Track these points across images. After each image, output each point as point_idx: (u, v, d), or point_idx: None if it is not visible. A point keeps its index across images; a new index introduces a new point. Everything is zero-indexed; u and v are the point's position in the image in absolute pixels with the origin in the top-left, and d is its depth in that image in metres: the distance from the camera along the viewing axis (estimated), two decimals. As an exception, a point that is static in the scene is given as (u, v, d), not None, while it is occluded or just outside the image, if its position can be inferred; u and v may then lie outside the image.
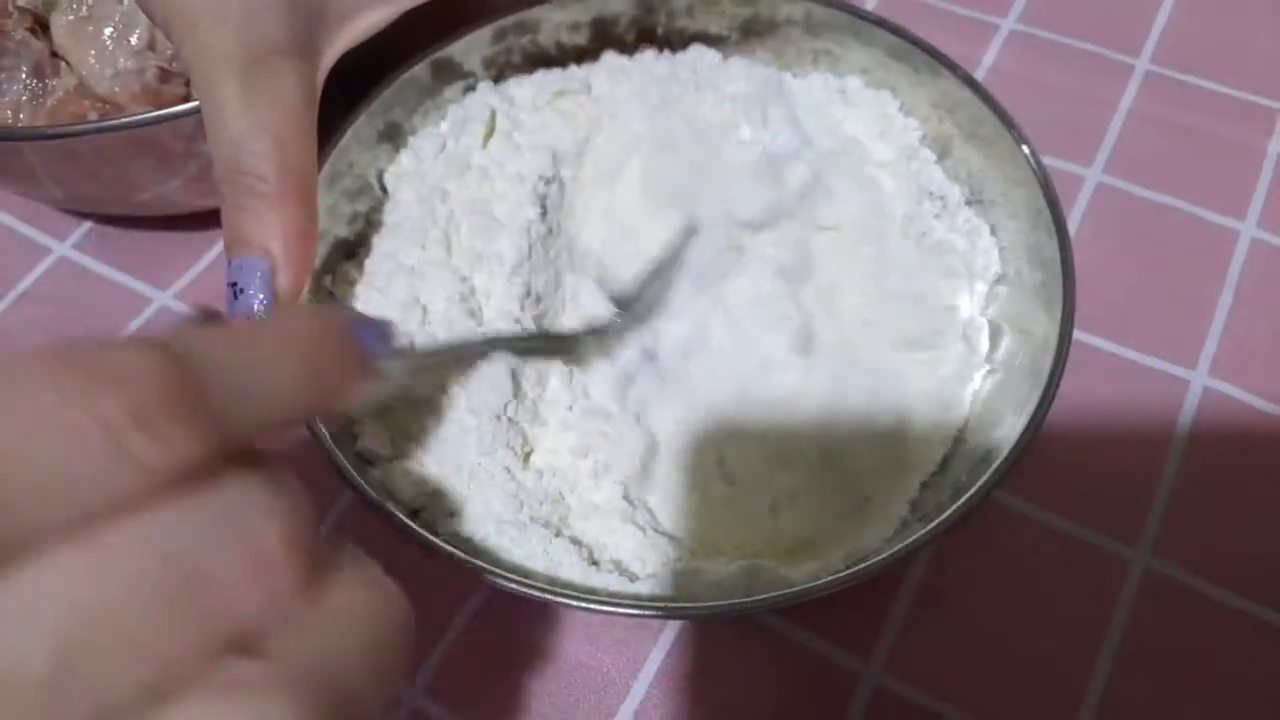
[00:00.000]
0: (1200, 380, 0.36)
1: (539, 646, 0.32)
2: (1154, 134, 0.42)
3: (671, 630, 0.32)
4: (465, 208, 0.34)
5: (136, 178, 0.37)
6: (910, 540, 0.26)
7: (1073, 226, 0.40)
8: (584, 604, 0.26)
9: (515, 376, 0.31)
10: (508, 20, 0.37)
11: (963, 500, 0.26)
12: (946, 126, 0.36)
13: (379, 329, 0.18)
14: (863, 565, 0.25)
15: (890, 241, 0.35)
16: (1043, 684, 0.31)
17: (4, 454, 0.11)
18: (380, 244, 0.34)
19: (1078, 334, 0.37)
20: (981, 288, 0.34)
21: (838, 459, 0.31)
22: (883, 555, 0.26)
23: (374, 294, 0.33)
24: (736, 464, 0.31)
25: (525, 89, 0.37)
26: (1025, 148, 0.33)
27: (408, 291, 0.32)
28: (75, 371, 0.12)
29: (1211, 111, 0.43)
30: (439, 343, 0.31)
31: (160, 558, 0.12)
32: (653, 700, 0.31)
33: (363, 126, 0.35)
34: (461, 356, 0.30)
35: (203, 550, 0.12)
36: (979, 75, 0.44)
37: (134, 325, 0.39)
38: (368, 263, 0.34)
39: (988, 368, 0.33)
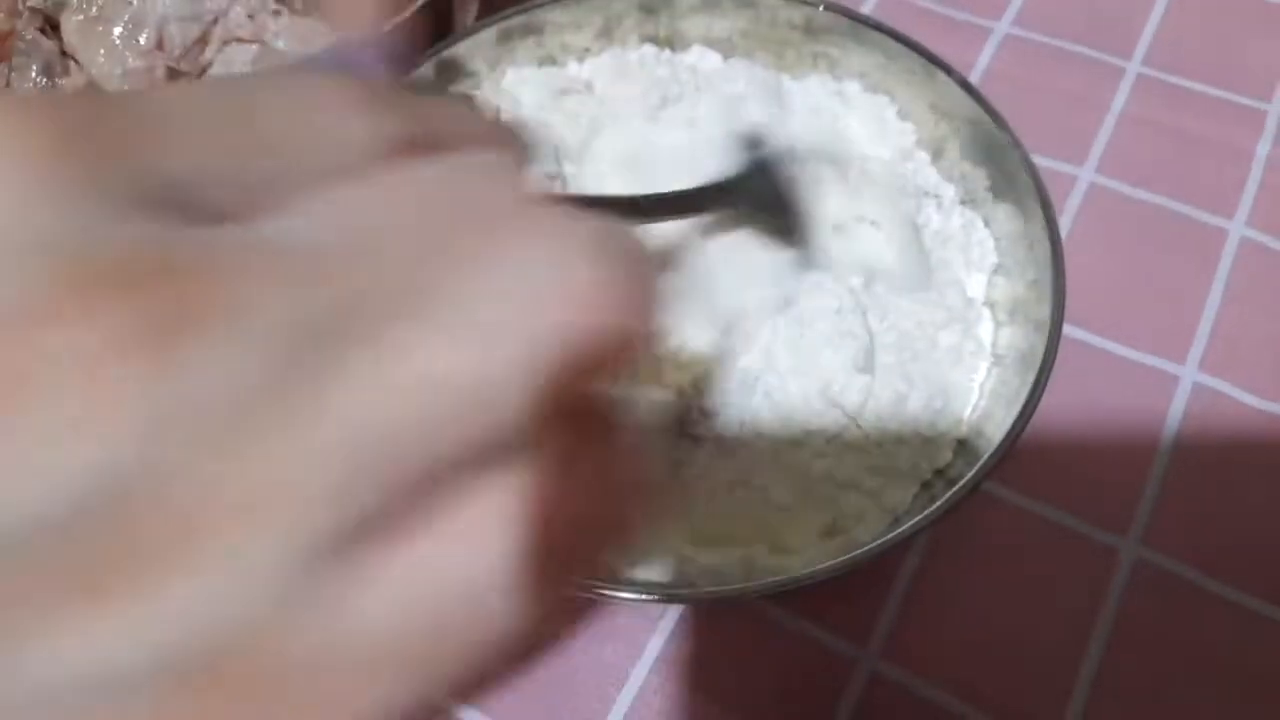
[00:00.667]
0: (1190, 375, 0.37)
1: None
2: (1145, 135, 0.43)
3: (670, 619, 0.33)
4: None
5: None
6: (900, 531, 0.27)
7: (1065, 226, 0.40)
8: (585, 589, 0.26)
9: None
10: (513, 21, 0.37)
11: (952, 491, 0.27)
12: (941, 129, 0.37)
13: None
14: (856, 553, 0.26)
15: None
16: (1035, 670, 0.32)
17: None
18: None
19: (1070, 330, 0.38)
20: (980, 278, 0.35)
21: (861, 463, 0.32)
22: (873, 544, 0.26)
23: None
24: (767, 480, 0.31)
25: (529, 88, 0.37)
26: (1017, 148, 0.34)
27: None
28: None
29: (1202, 113, 0.44)
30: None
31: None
32: (651, 687, 0.32)
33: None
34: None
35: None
36: (973, 77, 0.45)
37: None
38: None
39: (991, 360, 0.33)
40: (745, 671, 0.32)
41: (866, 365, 0.32)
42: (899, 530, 0.26)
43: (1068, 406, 0.36)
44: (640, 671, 0.32)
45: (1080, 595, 0.33)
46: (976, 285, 0.35)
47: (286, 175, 0.11)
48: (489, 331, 0.10)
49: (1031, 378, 0.29)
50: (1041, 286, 0.31)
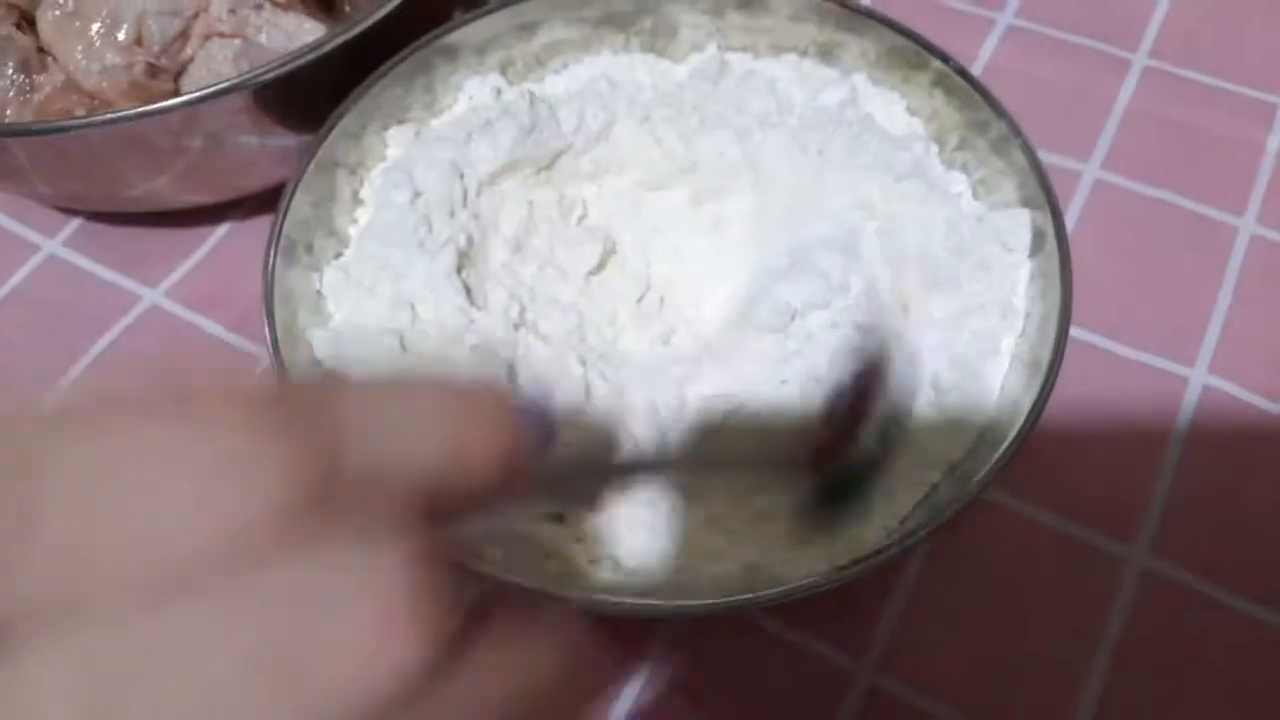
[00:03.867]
0: (1199, 378, 0.36)
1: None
2: (1152, 129, 0.42)
3: (666, 632, 0.32)
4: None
5: (124, 174, 0.37)
6: (901, 540, 0.26)
7: (1070, 222, 0.39)
8: (575, 599, 0.26)
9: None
10: (512, 21, 0.36)
11: (958, 496, 0.26)
12: (946, 123, 0.36)
13: (541, 419, 0.15)
14: (854, 567, 0.25)
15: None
16: (1038, 683, 0.31)
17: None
18: (363, 243, 0.34)
19: (1075, 331, 0.36)
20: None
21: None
22: (871, 555, 0.25)
23: (361, 293, 0.32)
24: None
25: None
26: (1020, 142, 0.33)
27: (394, 292, 0.31)
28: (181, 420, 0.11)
29: (1210, 106, 0.42)
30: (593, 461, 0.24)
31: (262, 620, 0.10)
32: (646, 702, 0.31)
33: (350, 121, 0.35)
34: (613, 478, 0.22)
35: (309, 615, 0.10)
36: (977, 70, 0.44)
37: (123, 323, 0.39)
38: (348, 259, 0.34)
39: (1009, 358, 0.32)
40: (742, 686, 0.31)
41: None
42: (896, 540, 0.25)
43: (1073, 411, 0.35)
44: (635, 686, 0.31)
45: (1087, 605, 0.32)
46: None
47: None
48: None
49: (1038, 382, 0.28)
50: (1047, 281, 0.30)
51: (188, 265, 0.40)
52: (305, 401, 0.12)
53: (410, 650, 0.11)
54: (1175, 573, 0.32)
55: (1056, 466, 0.34)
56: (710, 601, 0.27)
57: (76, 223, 0.42)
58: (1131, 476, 0.34)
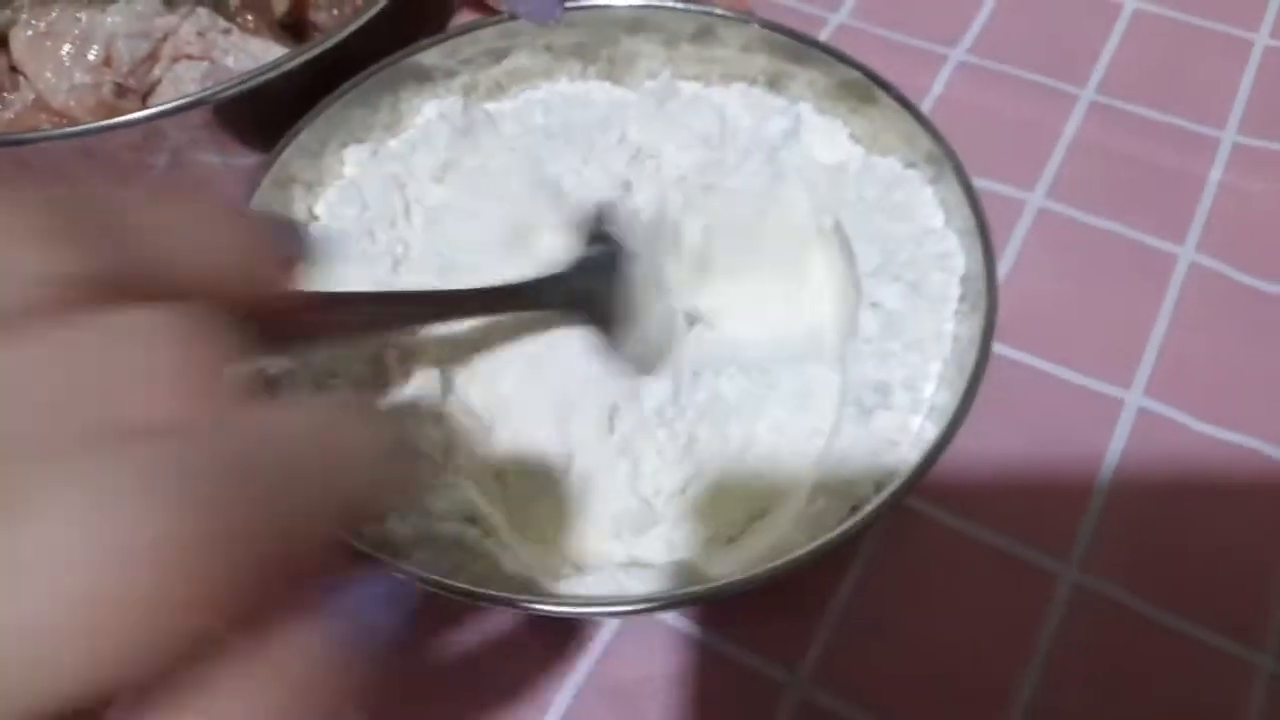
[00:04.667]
0: (1135, 400, 0.36)
1: (465, 657, 0.32)
2: (1097, 161, 0.43)
3: (600, 642, 0.32)
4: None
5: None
6: (819, 544, 0.26)
7: (1013, 250, 0.40)
8: (492, 600, 0.26)
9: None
10: (481, 47, 0.38)
11: (870, 508, 0.26)
12: (888, 150, 0.37)
13: (290, 229, 0.17)
14: (765, 567, 0.26)
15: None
16: (970, 697, 0.31)
17: None
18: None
19: (1015, 354, 0.37)
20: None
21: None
22: (781, 561, 0.26)
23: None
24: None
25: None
26: (956, 171, 0.33)
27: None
28: None
29: (1155, 139, 0.44)
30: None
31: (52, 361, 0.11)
32: (574, 713, 0.31)
33: (309, 140, 0.36)
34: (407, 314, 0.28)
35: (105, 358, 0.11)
36: (927, 103, 0.45)
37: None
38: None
39: (936, 379, 0.33)
40: (673, 697, 0.31)
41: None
42: (809, 547, 0.26)
43: (1011, 430, 0.36)
44: (564, 696, 0.31)
45: (1019, 621, 0.32)
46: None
47: None
48: None
49: (960, 390, 0.28)
50: (974, 301, 0.31)
51: (150, 280, 0.41)
52: (91, 203, 0.13)
53: (190, 382, 0.12)
54: (1106, 589, 0.32)
55: (993, 484, 0.34)
56: (630, 606, 0.27)
57: (45, 238, 0.43)
58: (1066, 495, 0.34)
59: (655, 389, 0.33)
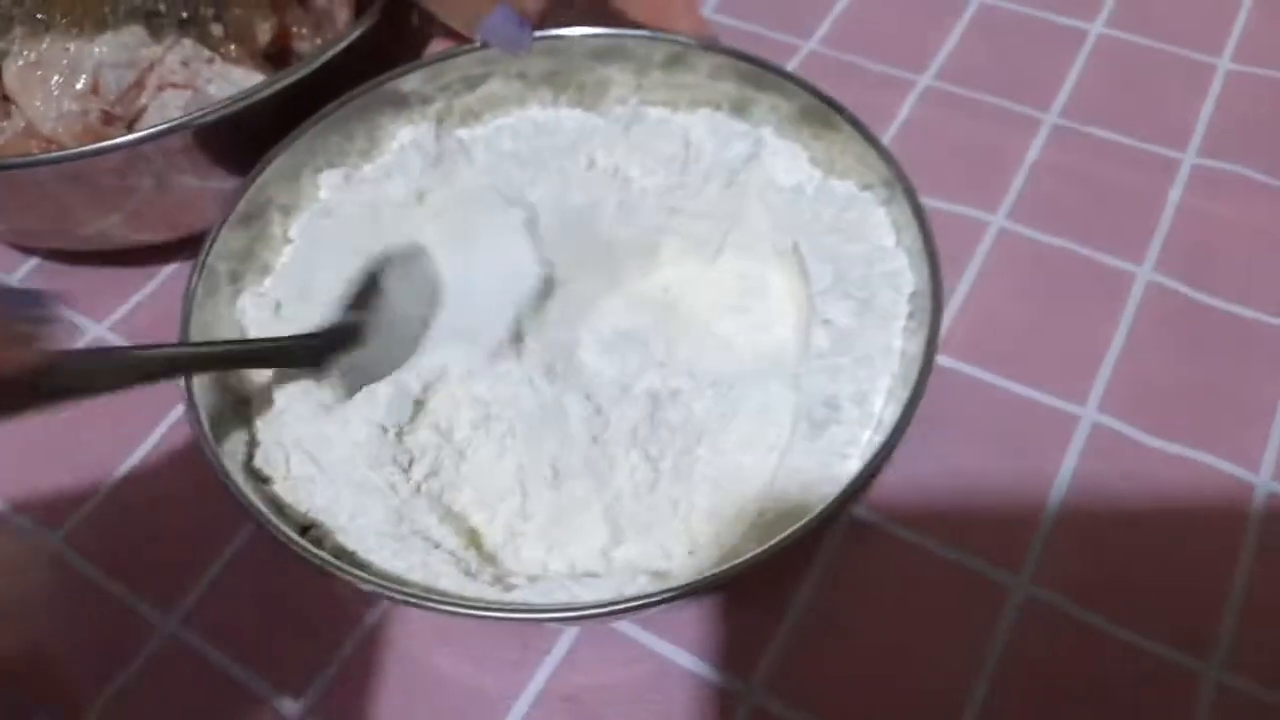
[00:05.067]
0: (1090, 415, 0.37)
1: (425, 666, 0.33)
2: (1058, 182, 0.44)
3: (559, 652, 0.33)
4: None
5: (76, 212, 0.39)
6: (764, 549, 0.27)
7: (974, 269, 0.41)
8: (435, 605, 0.27)
9: (408, 395, 0.32)
10: (457, 74, 0.39)
11: (811, 515, 0.27)
12: (845, 173, 0.38)
13: (29, 297, 0.18)
14: (708, 574, 0.26)
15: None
16: (921, 708, 0.31)
17: None
18: (284, 274, 0.36)
19: (973, 370, 0.38)
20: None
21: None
22: (723, 567, 0.26)
23: (277, 320, 0.34)
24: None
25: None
26: (908, 194, 0.34)
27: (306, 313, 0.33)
28: None
29: (1116, 162, 0.44)
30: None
31: None
32: (532, 718, 0.32)
33: (285, 164, 0.37)
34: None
35: None
36: (894, 127, 0.46)
37: (68, 353, 0.41)
38: (268, 287, 0.36)
39: (885, 392, 0.34)
40: (628, 705, 0.32)
41: None
42: (748, 555, 0.27)
43: (967, 445, 0.36)
44: (522, 705, 0.32)
45: (971, 633, 0.32)
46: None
47: None
48: None
49: (898, 410, 0.29)
50: (920, 318, 0.32)
51: (133, 301, 0.42)
52: None
53: None
54: (1057, 601, 0.33)
55: (948, 498, 0.35)
56: (579, 612, 0.28)
57: (35, 261, 0.44)
58: (1020, 508, 0.35)
59: (629, 412, 0.34)
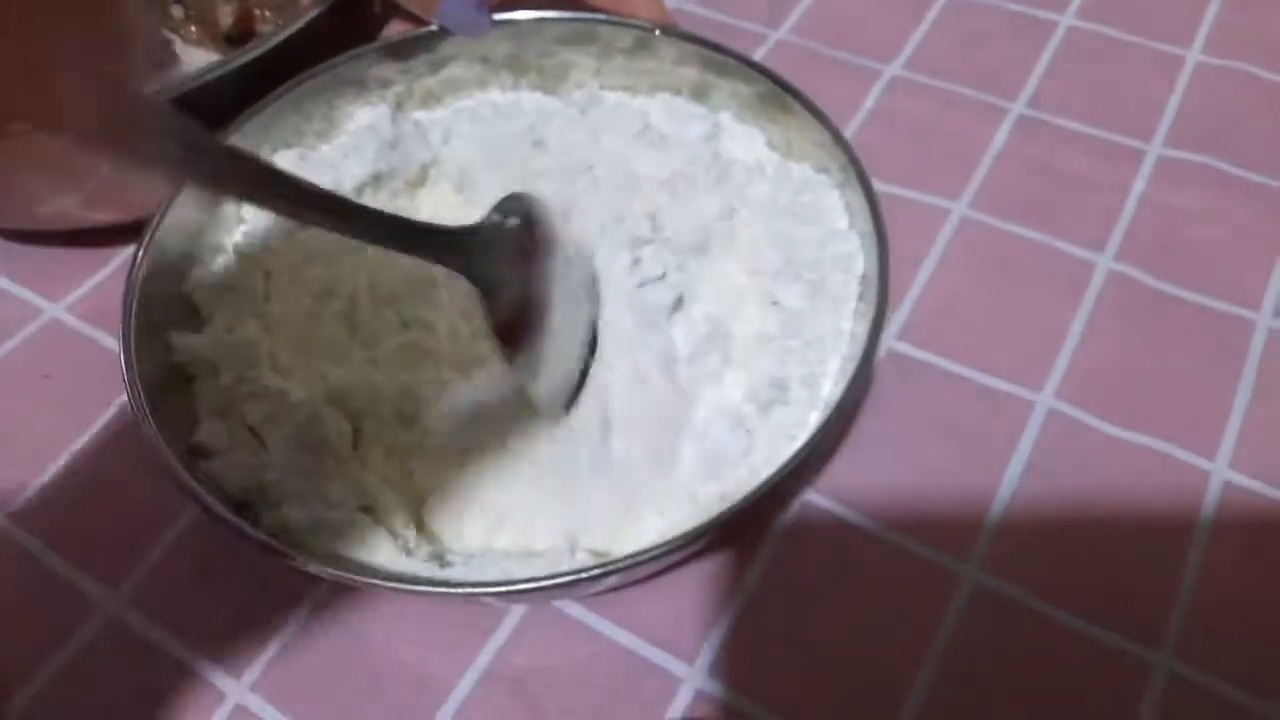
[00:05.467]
0: (1046, 402, 0.37)
1: (368, 646, 0.32)
2: (1022, 171, 0.44)
3: (504, 631, 0.32)
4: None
5: (30, 190, 0.39)
6: (700, 525, 0.27)
7: (935, 257, 0.41)
8: (371, 583, 0.27)
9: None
10: (416, 57, 0.39)
11: (749, 491, 0.27)
12: (800, 157, 0.38)
13: None
14: (643, 551, 0.26)
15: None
16: (864, 694, 0.31)
17: None
18: (236, 252, 0.36)
19: (931, 358, 0.38)
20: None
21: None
22: (659, 543, 0.26)
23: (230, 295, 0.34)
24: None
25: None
26: (860, 178, 0.34)
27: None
28: None
29: (1081, 152, 0.44)
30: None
31: None
32: (475, 702, 0.31)
33: (239, 144, 0.37)
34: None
35: None
36: (859, 116, 0.46)
37: (21, 335, 0.41)
38: (220, 265, 0.36)
39: (834, 374, 0.33)
40: (572, 685, 0.31)
41: None
42: (687, 530, 0.26)
43: (921, 431, 0.36)
44: (466, 684, 0.32)
45: (918, 618, 0.32)
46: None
47: None
48: None
49: (840, 392, 0.29)
50: (867, 301, 0.32)
51: (93, 282, 0.42)
52: None
53: None
54: (1007, 589, 0.33)
55: (900, 483, 0.35)
56: (519, 586, 0.27)
57: (-6, 241, 0.44)
58: (971, 493, 0.35)
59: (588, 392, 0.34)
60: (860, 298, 0.33)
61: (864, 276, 0.33)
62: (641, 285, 0.34)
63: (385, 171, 0.37)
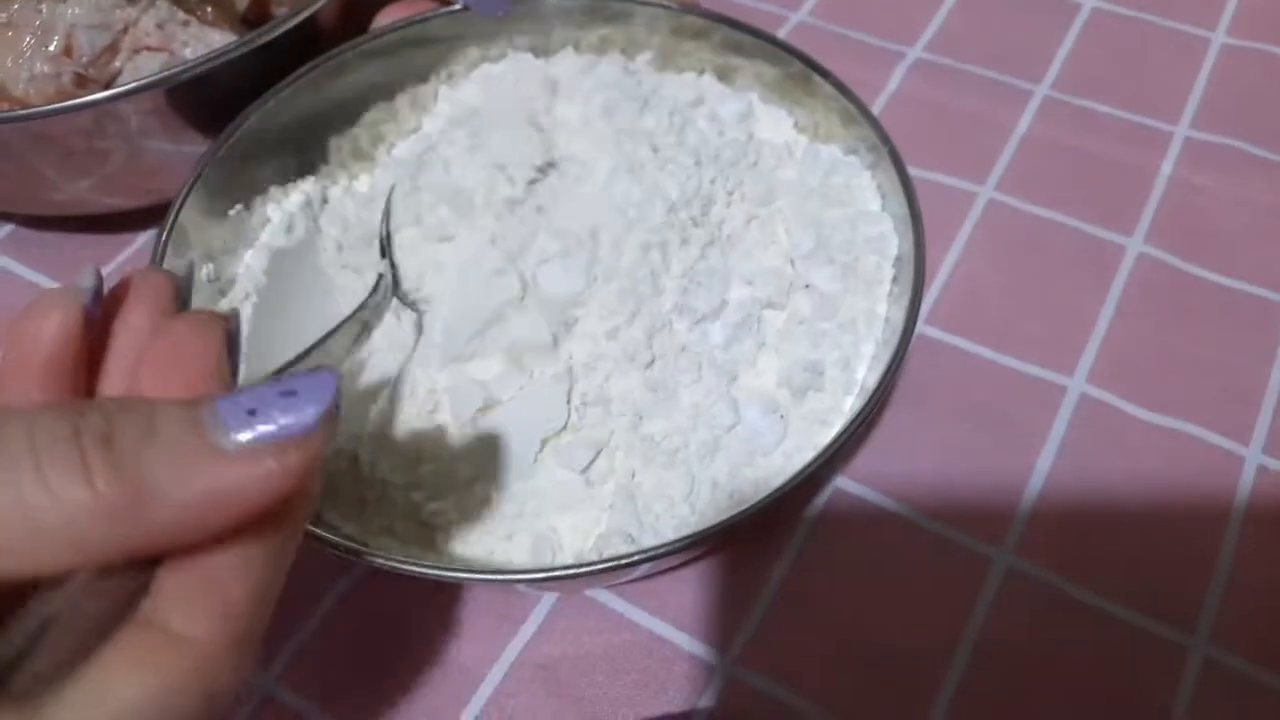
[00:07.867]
0: (1077, 387, 0.36)
1: (397, 636, 0.32)
2: (1048, 154, 0.43)
3: (535, 621, 0.32)
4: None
5: (45, 175, 0.38)
6: (733, 515, 0.26)
7: (962, 240, 0.40)
8: (406, 569, 0.26)
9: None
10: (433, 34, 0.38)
11: (785, 480, 0.26)
12: (829, 137, 0.37)
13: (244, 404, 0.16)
14: (674, 539, 0.26)
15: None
16: (898, 679, 0.31)
17: None
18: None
19: (960, 341, 0.37)
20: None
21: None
22: (691, 532, 0.26)
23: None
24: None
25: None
26: (893, 158, 0.33)
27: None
28: None
29: (1107, 134, 0.44)
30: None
31: None
32: (507, 690, 0.31)
33: (257, 123, 0.36)
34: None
35: None
36: (883, 99, 0.46)
37: (39, 320, 0.40)
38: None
39: (869, 358, 0.33)
40: (603, 674, 0.31)
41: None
42: (721, 520, 0.26)
43: (952, 416, 0.36)
44: (497, 673, 0.31)
45: (952, 604, 0.32)
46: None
47: None
48: None
49: (876, 376, 0.29)
50: (902, 285, 0.31)
51: (109, 267, 0.42)
52: None
53: None
54: (1039, 573, 0.32)
55: (932, 468, 0.35)
56: (547, 574, 0.27)
57: (10, 228, 0.44)
58: (1002, 479, 0.34)
59: (621, 383, 0.33)
60: (894, 280, 0.33)
61: (898, 259, 0.33)
62: (681, 275, 0.33)
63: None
